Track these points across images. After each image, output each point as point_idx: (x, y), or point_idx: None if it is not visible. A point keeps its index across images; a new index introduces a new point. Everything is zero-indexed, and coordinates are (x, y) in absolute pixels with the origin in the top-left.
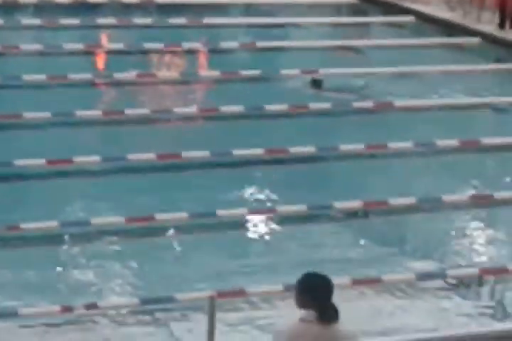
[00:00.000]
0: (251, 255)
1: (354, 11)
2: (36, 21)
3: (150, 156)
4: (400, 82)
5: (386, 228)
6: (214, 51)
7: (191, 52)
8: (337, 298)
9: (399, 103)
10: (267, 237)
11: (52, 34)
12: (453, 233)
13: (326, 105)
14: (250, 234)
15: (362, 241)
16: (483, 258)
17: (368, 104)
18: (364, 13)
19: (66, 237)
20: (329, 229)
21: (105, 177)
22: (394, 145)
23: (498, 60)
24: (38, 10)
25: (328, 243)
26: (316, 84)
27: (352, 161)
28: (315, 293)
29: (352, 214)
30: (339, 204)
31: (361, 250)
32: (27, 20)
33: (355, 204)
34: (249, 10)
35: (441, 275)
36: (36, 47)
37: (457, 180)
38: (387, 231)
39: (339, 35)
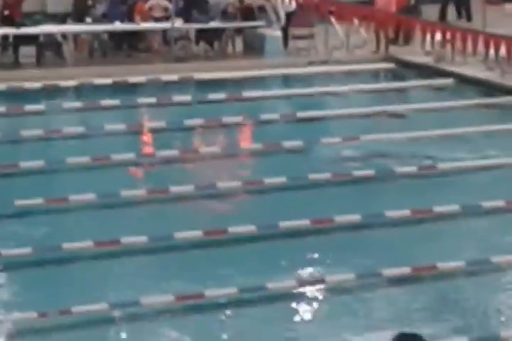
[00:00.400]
0: (302, 325)
1: (392, 76)
2: (77, 104)
3: (196, 234)
4: (442, 144)
5: (437, 292)
6: (255, 124)
7: (232, 126)
8: None
9: (442, 166)
10: (318, 307)
11: (94, 116)
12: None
13: (369, 172)
14: (301, 305)
15: (414, 306)
16: None
17: (412, 168)
18: (402, 78)
19: (116, 318)
20: (379, 295)
21: (153, 256)
22: (440, 208)
23: None
24: (78, 93)
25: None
26: None
27: (398, 227)
28: None
29: (401, 280)
30: (388, 271)
31: (414, 315)
32: (68, 104)
33: (404, 270)
34: (287, 81)
35: None
36: (78, 129)
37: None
38: (437, 295)
39: (378, 101)
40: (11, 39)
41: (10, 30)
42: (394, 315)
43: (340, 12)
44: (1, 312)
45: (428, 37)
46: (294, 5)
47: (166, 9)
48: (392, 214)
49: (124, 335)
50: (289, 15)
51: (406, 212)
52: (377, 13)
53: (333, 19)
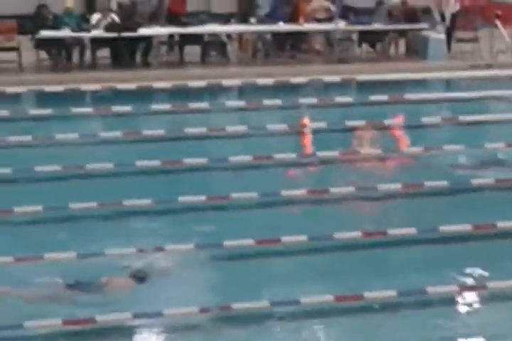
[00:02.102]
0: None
1: None
2: (240, 103)
3: (355, 234)
4: None
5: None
6: (416, 127)
7: (393, 129)
8: None
9: None
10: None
11: (256, 115)
12: None
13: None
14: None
15: None
16: None
17: None
18: None
19: (276, 317)
20: None
21: (312, 256)
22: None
23: None
24: (241, 92)
25: None
26: None
27: None
28: None
29: None
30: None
31: None
32: (231, 103)
33: None
34: (449, 84)
35: None
36: (241, 128)
37: None
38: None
39: None
40: (176, 38)
41: (176, 30)
42: None
43: (506, 15)
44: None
45: None
46: (457, 6)
47: (328, 10)
48: None
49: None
50: (453, 17)
51: None
52: None
53: (498, 22)
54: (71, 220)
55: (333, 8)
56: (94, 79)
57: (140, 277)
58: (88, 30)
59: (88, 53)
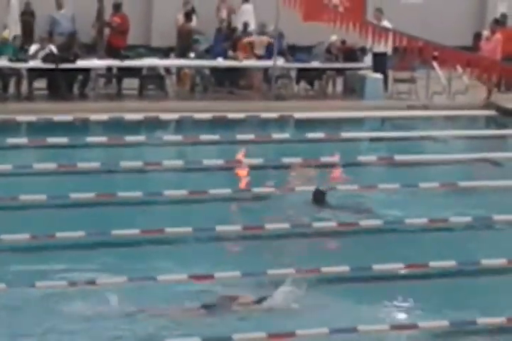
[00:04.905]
0: None
1: (492, 123)
2: (177, 137)
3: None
4: None
5: None
6: (352, 165)
7: (328, 166)
8: None
9: None
10: None
11: (193, 150)
12: None
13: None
14: None
15: None
16: None
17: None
18: (502, 126)
19: None
20: None
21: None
22: None
23: None
24: (178, 126)
25: None
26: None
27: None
28: None
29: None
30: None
31: None
32: (168, 137)
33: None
34: (385, 124)
35: None
36: (177, 163)
37: None
38: None
39: (477, 148)
40: (115, 71)
41: (114, 63)
42: None
43: (443, 57)
44: None
45: None
46: (387, 47)
47: (267, 46)
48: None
49: None
50: (383, 58)
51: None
52: (481, 59)
53: (435, 64)
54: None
55: (272, 44)
56: (30, 110)
57: None
58: (26, 61)
59: (25, 84)
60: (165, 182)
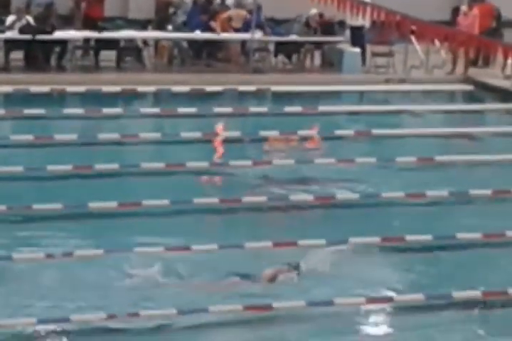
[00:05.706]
0: None
1: (470, 98)
2: (155, 110)
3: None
4: None
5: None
6: (329, 138)
7: (306, 140)
8: None
9: None
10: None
11: (170, 122)
12: None
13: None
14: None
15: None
16: None
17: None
18: (480, 100)
19: None
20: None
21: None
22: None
23: None
24: (155, 98)
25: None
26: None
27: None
28: None
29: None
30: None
31: None
32: (145, 109)
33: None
34: (363, 97)
35: None
36: (154, 135)
37: None
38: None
39: (454, 123)
40: (92, 42)
41: (92, 34)
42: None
43: (421, 31)
44: None
45: (509, 60)
46: (364, 21)
47: (245, 20)
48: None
49: None
50: (360, 31)
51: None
52: (459, 34)
53: (413, 38)
54: None
55: (249, 16)
56: (6, 81)
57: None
58: (2, 32)
59: (1, 55)
60: (142, 154)
